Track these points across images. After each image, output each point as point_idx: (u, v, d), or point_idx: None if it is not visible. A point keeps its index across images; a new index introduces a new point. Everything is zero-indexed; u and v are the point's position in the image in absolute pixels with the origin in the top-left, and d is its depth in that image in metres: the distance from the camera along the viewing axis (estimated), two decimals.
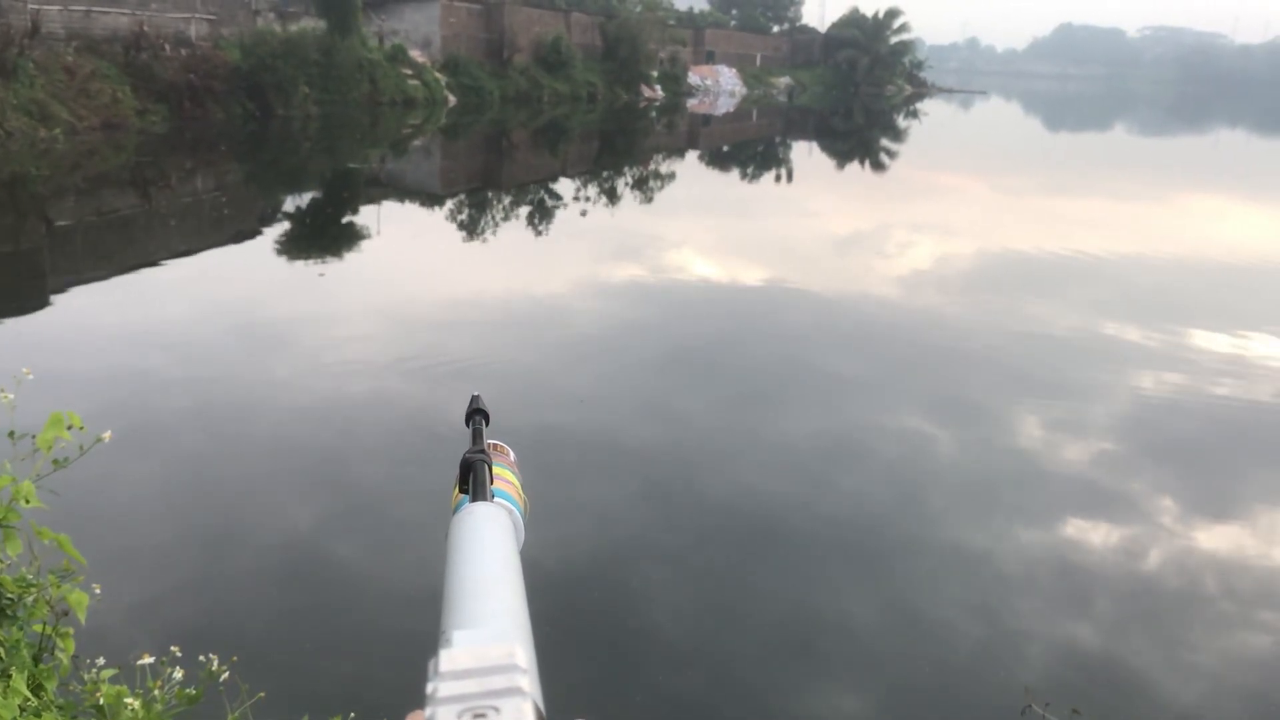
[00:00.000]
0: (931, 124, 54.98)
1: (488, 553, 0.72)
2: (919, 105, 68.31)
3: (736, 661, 4.96)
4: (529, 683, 0.50)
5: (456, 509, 0.81)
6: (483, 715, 0.47)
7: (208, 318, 10.50)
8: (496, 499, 0.84)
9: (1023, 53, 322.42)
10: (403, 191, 21.33)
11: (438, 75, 39.43)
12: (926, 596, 5.64)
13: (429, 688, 0.49)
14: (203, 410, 7.80)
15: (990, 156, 37.27)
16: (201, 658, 2.13)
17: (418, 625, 4.93)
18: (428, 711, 0.48)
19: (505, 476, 0.93)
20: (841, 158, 35.52)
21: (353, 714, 2.19)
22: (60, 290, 11.50)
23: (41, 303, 10.94)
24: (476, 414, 1.06)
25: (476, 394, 1.07)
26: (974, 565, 6.03)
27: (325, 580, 5.44)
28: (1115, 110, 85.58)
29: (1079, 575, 5.92)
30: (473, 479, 0.88)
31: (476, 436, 1.00)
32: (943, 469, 7.46)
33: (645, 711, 4.46)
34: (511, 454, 1.02)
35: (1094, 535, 6.43)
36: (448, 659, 0.51)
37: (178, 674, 2.05)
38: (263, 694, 2.13)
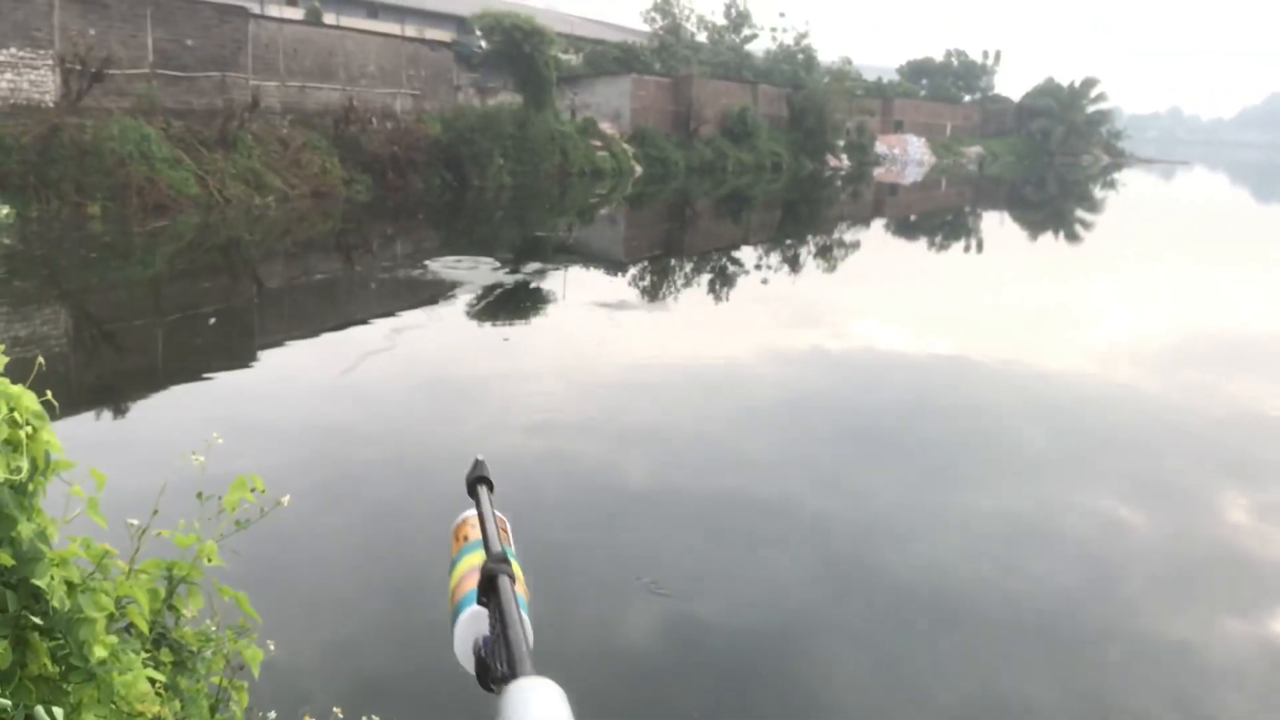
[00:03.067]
0: (1130, 195, 52.88)
1: None
2: (1116, 175, 65.85)
3: None
4: None
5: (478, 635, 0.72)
6: None
7: (401, 376, 10.94)
8: (543, 680, 0.74)
9: (1229, 122, 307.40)
10: (588, 258, 21.82)
11: (625, 146, 40.42)
12: (1119, 689, 5.29)
13: None
14: (393, 463, 8.09)
15: (1192, 229, 35.51)
16: (364, 719, 2.16)
17: (593, 688, 4.92)
18: None
19: (516, 572, 0.83)
20: (1034, 228, 34.48)
21: None
22: (268, 347, 12.22)
23: (250, 359, 11.62)
24: (479, 481, 0.91)
25: (480, 457, 0.94)
26: (1172, 659, 5.64)
27: None
28: None
29: None
30: (502, 616, 0.79)
31: (483, 518, 0.87)
32: (1138, 554, 7.03)
33: None
34: (508, 524, 0.90)
35: None
36: None
37: None
38: None
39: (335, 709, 2.15)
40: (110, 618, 1.78)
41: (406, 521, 7.07)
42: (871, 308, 16.88)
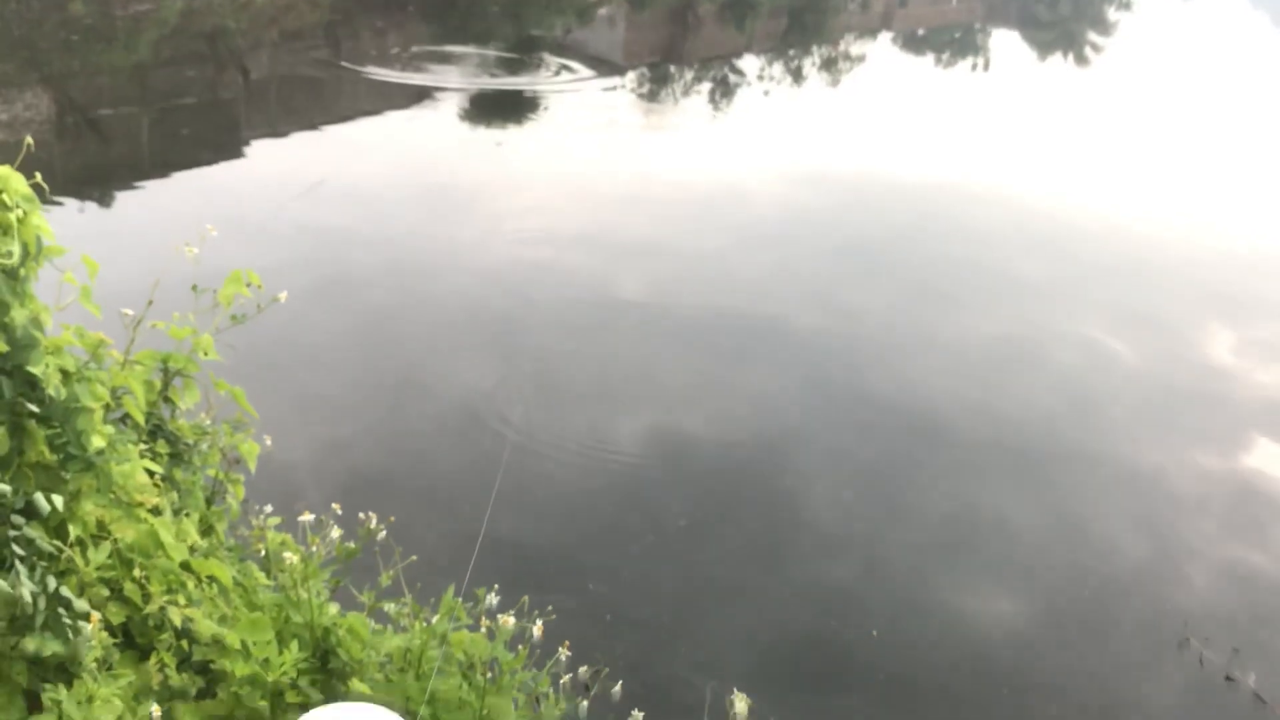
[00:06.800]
0: (1145, 15, 51.27)
1: None
2: None
3: (891, 554, 4.92)
4: None
5: None
6: None
7: (392, 178, 10.75)
8: None
9: None
10: (586, 61, 21.18)
11: None
12: (1092, 509, 5.47)
13: None
14: (388, 267, 8.04)
15: (1201, 56, 34.58)
16: (361, 515, 2.20)
17: (585, 492, 5.05)
18: None
19: None
20: (1043, 49, 33.52)
21: (496, 585, 2.23)
22: (254, 141, 11.97)
23: (236, 153, 11.39)
24: None
25: None
26: (1145, 483, 5.80)
27: (491, 439, 5.56)
28: None
29: (1259, 505, 5.62)
30: None
31: None
32: (1120, 382, 7.15)
33: (801, 597, 4.47)
34: None
35: None
36: None
37: (334, 533, 2.12)
38: (415, 558, 2.19)
39: (334, 504, 2.18)
40: (106, 408, 1.78)
41: (401, 324, 7.09)
42: (873, 128, 16.53)
